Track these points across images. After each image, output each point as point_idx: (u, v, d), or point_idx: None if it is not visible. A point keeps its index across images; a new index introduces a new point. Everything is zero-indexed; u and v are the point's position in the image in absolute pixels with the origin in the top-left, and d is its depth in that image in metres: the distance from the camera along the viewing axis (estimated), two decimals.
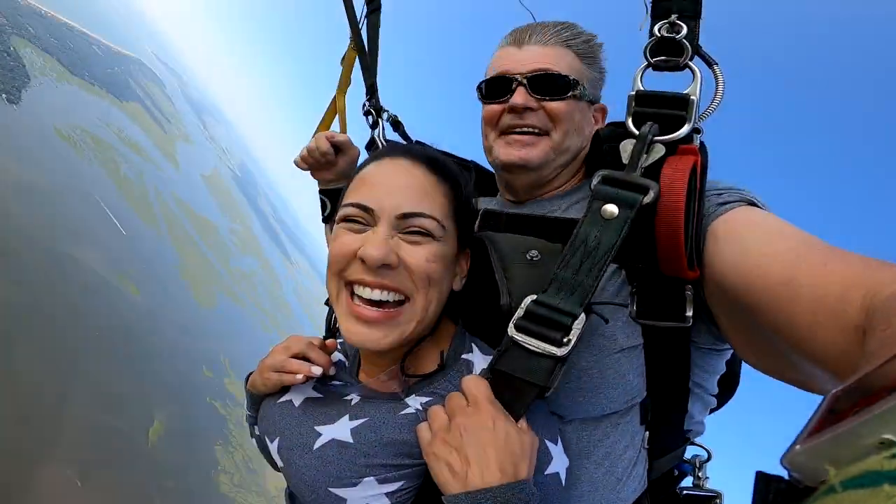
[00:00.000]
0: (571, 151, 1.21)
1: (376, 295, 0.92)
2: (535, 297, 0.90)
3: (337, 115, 1.72)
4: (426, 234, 0.93)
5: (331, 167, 1.53)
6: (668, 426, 1.13)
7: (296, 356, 1.07)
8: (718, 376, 1.15)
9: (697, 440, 1.26)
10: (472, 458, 0.79)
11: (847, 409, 0.31)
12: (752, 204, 0.97)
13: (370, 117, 1.59)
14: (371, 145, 1.65)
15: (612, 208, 0.89)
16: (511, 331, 0.89)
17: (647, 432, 1.12)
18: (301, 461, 0.97)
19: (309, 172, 1.57)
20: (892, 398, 0.27)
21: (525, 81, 1.17)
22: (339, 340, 1.20)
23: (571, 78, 1.16)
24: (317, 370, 1.04)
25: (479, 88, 1.27)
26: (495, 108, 1.22)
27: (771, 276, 0.80)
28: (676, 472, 1.24)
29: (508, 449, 0.80)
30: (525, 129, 1.19)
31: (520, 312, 0.89)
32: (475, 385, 0.86)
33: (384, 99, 1.66)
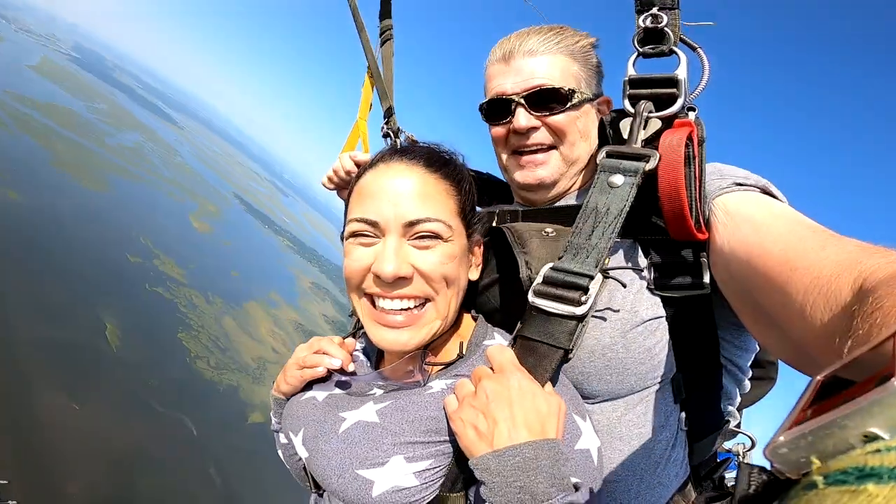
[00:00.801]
0: (583, 158, 1.23)
1: (397, 304, 0.94)
2: (552, 264, 0.94)
3: (360, 139, 1.82)
4: (434, 236, 0.93)
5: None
6: (703, 404, 1.12)
7: (317, 352, 1.11)
8: (753, 355, 1.15)
9: (739, 428, 1.27)
10: (499, 419, 0.78)
11: (833, 399, 0.30)
12: (768, 192, 1.00)
13: (388, 139, 1.65)
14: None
15: (617, 177, 0.95)
16: (531, 297, 0.92)
17: (683, 413, 1.11)
18: (327, 446, 0.96)
19: (336, 192, 1.61)
20: (879, 389, 0.26)
21: (522, 101, 1.17)
22: (359, 340, 1.24)
23: (567, 88, 1.16)
24: (336, 362, 1.06)
25: (480, 110, 1.28)
26: (500, 129, 1.24)
27: (772, 257, 0.81)
28: (720, 459, 1.23)
29: (535, 408, 0.79)
30: (533, 148, 1.22)
31: (538, 279, 0.93)
32: (499, 352, 0.87)
33: (403, 119, 1.70)
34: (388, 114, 1.68)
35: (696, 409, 1.11)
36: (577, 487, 0.78)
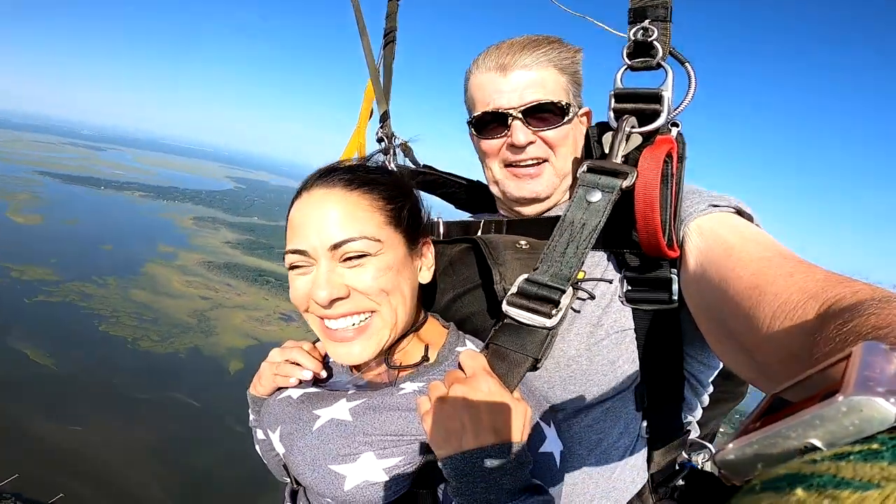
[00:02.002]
0: (573, 171, 1.24)
1: (343, 322, 0.98)
2: (526, 276, 0.97)
3: (358, 148, 1.81)
4: (362, 255, 0.95)
5: None
6: (665, 414, 1.16)
7: (289, 361, 1.15)
8: (714, 372, 1.19)
9: (697, 438, 1.31)
10: (468, 421, 0.81)
11: (783, 412, 0.32)
12: (741, 213, 1.03)
13: (382, 143, 1.65)
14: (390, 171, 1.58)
15: (595, 193, 0.97)
16: (504, 307, 0.94)
17: (645, 421, 1.15)
18: (301, 442, 1.00)
19: None
20: (822, 404, 0.28)
21: (520, 115, 1.17)
22: None
23: (564, 102, 1.18)
24: (307, 374, 1.11)
25: (470, 124, 1.28)
26: (494, 143, 1.23)
27: (742, 280, 0.84)
28: (678, 467, 1.27)
29: (503, 413, 0.83)
30: (529, 162, 1.22)
31: (513, 290, 0.96)
32: (472, 357, 0.90)
33: (400, 126, 1.70)
34: (384, 118, 1.67)
35: (657, 418, 1.14)
36: (539, 490, 0.83)
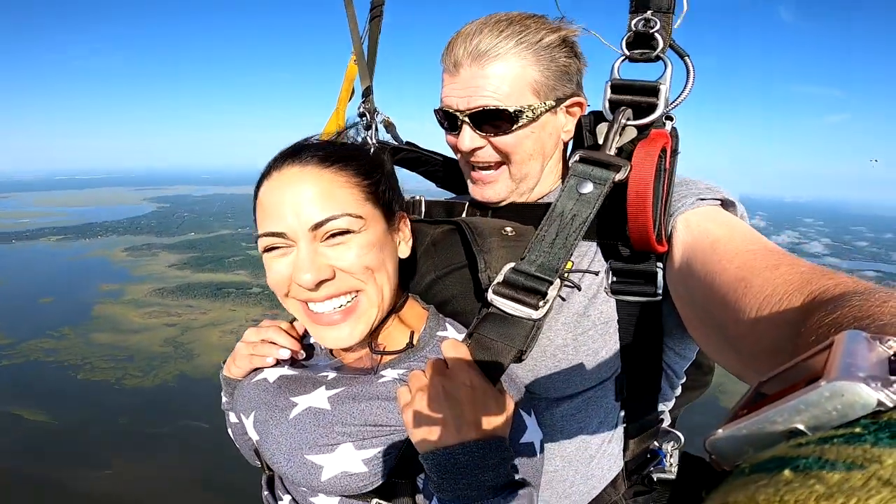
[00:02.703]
0: (533, 175, 1.20)
1: (328, 305, 0.94)
2: (512, 265, 0.95)
3: (338, 126, 1.71)
4: (345, 232, 0.92)
5: None
6: (642, 405, 1.18)
7: (265, 341, 1.11)
8: (689, 363, 1.21)
9: (668, 427, 1.33)
10: (450, 415, 0.79)
11: (769, 398, 0.34)
12: (729, 204, 1.04)
13: (364, 119, 1.61)
14: (362, 146, 1.52)
15: (587, 185, 0.94)
16: (490, 296, 0.93)
17: (623, 411, 1.17)
18: (277, 430, 0.97)
19: None
20: (806, 389, 0.29)
21: (467, 119, 1.13)
22: None
23: (513, 110, 1.09)
24: (284, 353, 1.08)
25: (435, 115, 1.24)
26: (453, 139, 1.21)
27: (728, 273, 0.84)
28: (650, 455, 1.29)
29: (485, 407, 0.81)
30: (482, 165, 1.19)
31: (498, 279, 0.94)
32: (454, 348, 0.88)
33: (384, 103, 1.66)
34: (367, 93, 1.64)
35: (635, 408, 1.16)
36: (521, 484, 0.81)
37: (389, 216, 1.03)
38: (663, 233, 1.00)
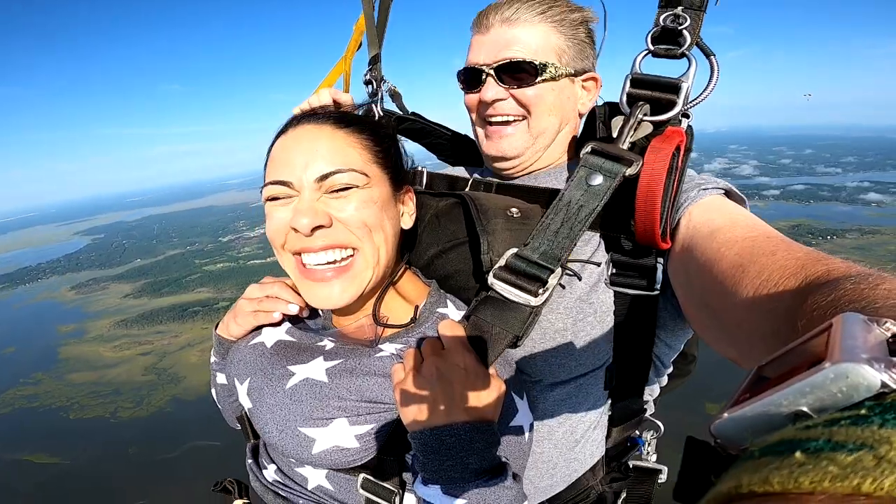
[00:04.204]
0: (549, 132, 1.22)
1: (322, 257, 0.94)
2: (515, 250, 0.93)
3: (342, 77, 1.69)
4: (349, 187, 0.93)
5: None
6: (629, 394, 1.19)
7: (270, 297, 1.08)
8: (676, 353, 1.23)
9: (649, 416, 1.33)
10: (441, 397, 0.80)
11: (770, 382, 0.34)
12: (729, 194, 1.03)
13: (370, 87, 1.55)
14: (367, 115, 1.48)
15: (596, 177, 0.94)
16: (490, 280, 0.92)
17: (610, 399, 1.19)
18: (272, 399, 0.96)
19: None
20: (809, 371, 0.29)
21: (492, 72, 1.17)
22: None
23: (538, 62, 1.14)
24: (293, 308, 1.05)
25: (458, 77, 1.28)
26: (473, 97, 1.23)
27: (726, 260, 0.84)
28: (629, 444, 1.30)
29: (476, 390, 0.81)
30: (500, 119, 1.21)
31: (501, 262, 0.93)
32: (450, 328, 0.88)
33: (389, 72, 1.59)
34: (374, 61, 1.55)
35: (621, 397, 1.19)
36: (504, 469, 0.83)
37: (396, 184, 1.03)
38: (668, 230, 1.00)
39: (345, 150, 0.96)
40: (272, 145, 1.01)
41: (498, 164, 1.29)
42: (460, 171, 1.49)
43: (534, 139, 1.22)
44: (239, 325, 1.11)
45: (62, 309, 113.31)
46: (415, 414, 0.81)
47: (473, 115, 1.29)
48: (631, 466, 1.33)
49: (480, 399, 0.81)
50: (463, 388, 0.81)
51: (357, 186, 0.94)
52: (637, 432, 1.33)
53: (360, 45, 1.65)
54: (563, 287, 1.10)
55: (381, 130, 1.05)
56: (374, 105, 1.49)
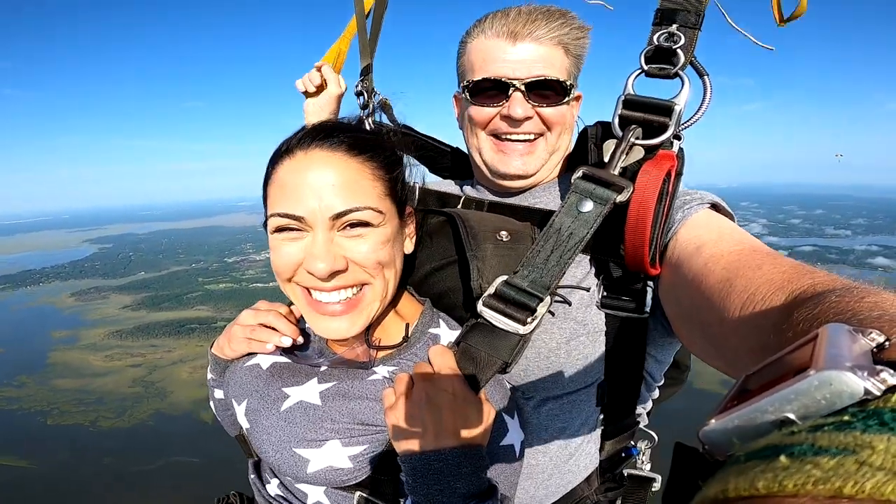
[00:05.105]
0: (562, 150, 1.24)
1: (334, 296, 0.93)
2: (505, 277, 0.93)
3: (338, 55, 1.66)
4: (364, 223, 0.90)
5: (318, 94, 1.55)
6: (621, 409, 1.19)
7: (264, 325, 1.07)
8: (666, 367, 1.24)
9: (643, 427, 1.35)
10: (430, 422, 0.80)
11: (756, 390, 0.35)
12: (716, 207, 1.04)
13: (361, 98, 1.50)
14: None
15: (587, 203, 0.93)
16: (480, 307, 0.92)
17: (602, 414, 1.19)
18: (267, 421, 0.97)
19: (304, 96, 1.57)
20: (795, 379, 0.30)
21: (523, 88, 1.13)
22: None
23: (568, 83, 1.15)
24: (286, 341, 1.04)
25: (466, 88, 1.21)
26: (490, 111, 1.18)
27: (713, 276, 0.84)
28: (624, 454, 1.30)
29: (465, 415, 0.82)
30: (521, 137, 1.18)
31: (490, 290, 0.93)
32: (441, 354, 0.88)
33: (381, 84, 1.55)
34: (365, 72, 1.52)
35: (614, 413, 1.20)
36: (492, 492, 0.84)
37: (402, 211, 1.02)
38: (657, 255, 1.00)
39: (359, 183, 0.92)
40: (276, 163, 0.95)
41: (508, 182, 1.25)
42: (450, 186, 1.47)
43: (549, 156, 1.22)
44: (233, 350, 1.12)
45: (59, 314, 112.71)
46: (404, 438, 0.82)
47: (481, 129, 1.22)
48: (625, 475, 1.33)
49: (469, 424, 0.82)
50: (452, 413, 0.81)
51: (372, 225, 0.92)
52: (632, 443, 1.33)
53: (365, 30, 1.60)
54: (553, 314, 1.11)
55: (392, 155, 1.03)
56: (364, 118, 1.50)
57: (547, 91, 1.15)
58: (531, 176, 1.23)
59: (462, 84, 1.24)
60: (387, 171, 0.97)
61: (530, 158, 1.20)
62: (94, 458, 50.44)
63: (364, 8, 1.49)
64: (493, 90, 1.17)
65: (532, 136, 1.19)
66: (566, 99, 1.17)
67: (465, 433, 0.81)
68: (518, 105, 1.14)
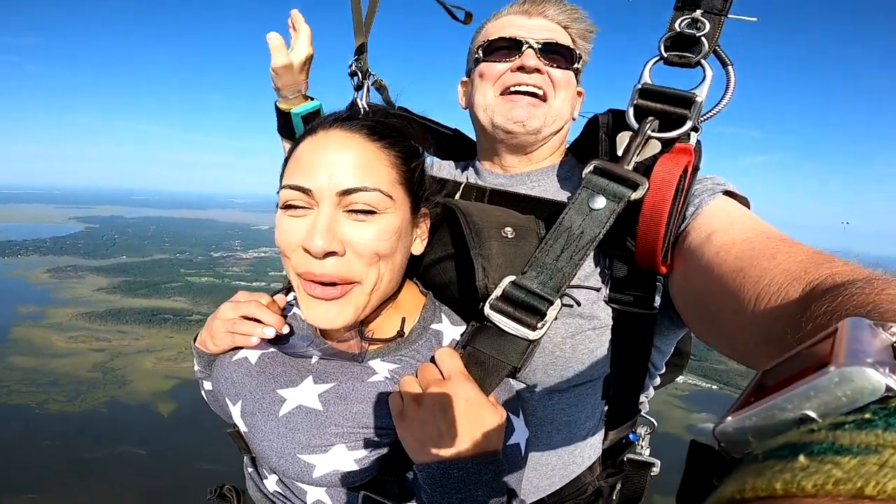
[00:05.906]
0: (559, 121, 1.21)
1: (320, 292, 0.90)
2: (513, 278, 0.90)
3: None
4: (370, 211, 0.87)
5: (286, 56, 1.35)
6: (625, 401, 1.20)
7: (246, 317, 1.03)
8: (667, 356, 1.24)
9: (643, 414, 1.36)
10: (445, 430, 0.79)
11: (774, 386, 0.33)
12: (728, 193, 0.99)
13: (355, 78, 1.47)
14: (352, 107, 1.40)
15: (599, 200, 0.90)
16: (487, 310, 0.89)
17: (607, 406, 1.19)
18: (267, 427, 0.94)
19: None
20: (814, 376, 0.29)
21: (537, 46, 1.15)
22: (292, 295, 1.13)
23: (577, 52, 1.18)
24: (269, 332, 1.00)
25: (480, 48, 1.22)
26: (503, 66, 1.19)
27: (726, 265, 0.82)
28: (624, 441, 1.31)
29: (480, 422, 0.81)
30: (528, 90, 1.17)
31: (497, 293, 0.90)
32: (449, 358, 0.87)
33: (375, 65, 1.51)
34: (360, 51, 1.47)
35: (619, 405, 1.21)
36: (513, 494, 0.84)
37: (416, 208, 0.98)
38: (669, 252, 0.96)
39: (373, 165, 0.89)
40: (299, 142, 0.96)
41: (514, 129, 1.22)
42: (450, 168, 1.45)
43: (551, 122, 1.21)
44: (216, 345, 1.06)
45: (30, 290, 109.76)
46: (419, 447, 0.80)
47: (489, 86, 1.23)
48: (626, 460, 1.35)
49: (485, 430, 0.81)
50: (467, 420, 0.80)
51: (378, 212, 0.88)
52: (632, 430, 1.35)
53: None
54: (556, 318, 1.08)
55: (412, 146, 1.00)
56: (358, 100, 1.47)
57: (557, 55, 1.18)
58: (533, 133, 1.20)
59: (477, 47, 1.25)
60: (404, 161, 0.94)
61: (535, 111, 1.19)
62: (33, 440, 48.12)
63: None
64: (506, 48, 1.20)
65: (540, 92, 1.19)
66: (574, 66, 1.20)
67: (483, 439, 0.80)
68: (530, 57, 1.16)
